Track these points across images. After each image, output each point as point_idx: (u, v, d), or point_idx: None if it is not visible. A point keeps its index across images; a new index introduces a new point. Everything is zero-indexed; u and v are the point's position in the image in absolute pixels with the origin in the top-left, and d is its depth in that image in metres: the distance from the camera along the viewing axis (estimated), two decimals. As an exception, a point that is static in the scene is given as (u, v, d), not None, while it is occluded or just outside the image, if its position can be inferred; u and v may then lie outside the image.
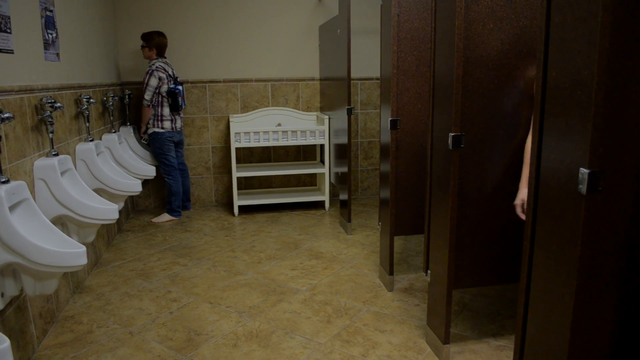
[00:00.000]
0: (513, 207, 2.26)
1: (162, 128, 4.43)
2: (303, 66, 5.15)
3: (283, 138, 4.72)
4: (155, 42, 4.38)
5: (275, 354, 2.37)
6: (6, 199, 1.92)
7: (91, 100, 3.26)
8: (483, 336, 2.50)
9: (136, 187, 3.26)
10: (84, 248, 2.02)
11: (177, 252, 3.79)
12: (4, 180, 2.01)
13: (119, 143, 3.90)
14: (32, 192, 2.39)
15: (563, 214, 1.37)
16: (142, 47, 4.41)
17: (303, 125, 4.99)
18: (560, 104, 1.37)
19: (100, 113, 3.84)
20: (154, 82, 4.31)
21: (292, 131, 4.72)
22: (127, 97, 4.58)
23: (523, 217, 2.15)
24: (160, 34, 4.43)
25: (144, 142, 4.56)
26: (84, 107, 3.21)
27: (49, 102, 2.54)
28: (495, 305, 2.82)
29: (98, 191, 3.08)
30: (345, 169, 4.17)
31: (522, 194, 2.15)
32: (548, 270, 1.46)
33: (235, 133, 4.61)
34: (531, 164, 1.57)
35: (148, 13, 4.79)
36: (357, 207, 5.01)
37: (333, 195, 5.21)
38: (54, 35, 2.88)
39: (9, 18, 2.25)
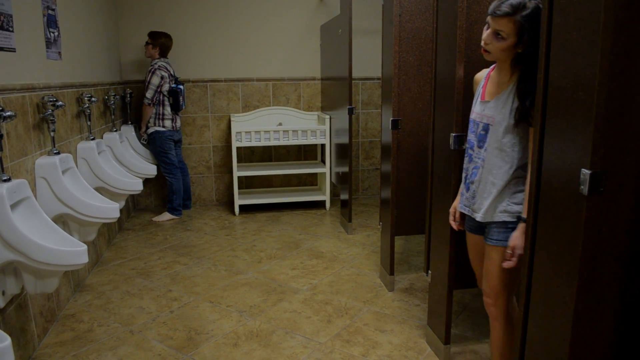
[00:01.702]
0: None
1: (164, 127, 4.44)
2: (304, 66, 5.15)
3: (284, 137, 4.72)
4: (160, 42, 4.40)
5: (276, 354, 2.37)
6: (8, 197, 1.92)
7: (93, 98, 3.26)
8: (483, 336, 2.50)
9: (137, 186, 3.26)
10: (85, 247, 2.02)
11: (178, 251, 3.80)
12: (5, 178, 2.02)
13: (120, 142, 3.90)
14: (34, 190, 2.39)
15: (564, 214, 1.37)
16: (147, 44, 4.41)
17: (304, 125, 4.99)
18: (561, 104, 1.37)
19: (102, 112, 3.85)
20: (156, 80, 4.31)
21: (293, 131, 4.72)
22: (128, 95, 4.59)
23: (454, 225, 2.01)
24: (167, 36, 4.46)
25: (143, 141, 4.56)
26: (86, 106, 3.21)
27: (50, 101, 2.54)
28: (495, 306, 2.82)
29: (99, 190, 3.09)
30: (346, 169, 4.17)
31: (457, 201, 2.01)
32: (549, 271, 1.46)
33: (236, 132, 4.62)
34: (532, 165, 1.57)
35: (150, 12, 4.79)
36: (357, 207, 5.02)
37: (334, 195, 5.22)
38: (56, 34, 2.88)
39: (11, 16, 2.25)
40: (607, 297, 1.36)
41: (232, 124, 4.63)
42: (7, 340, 1.49)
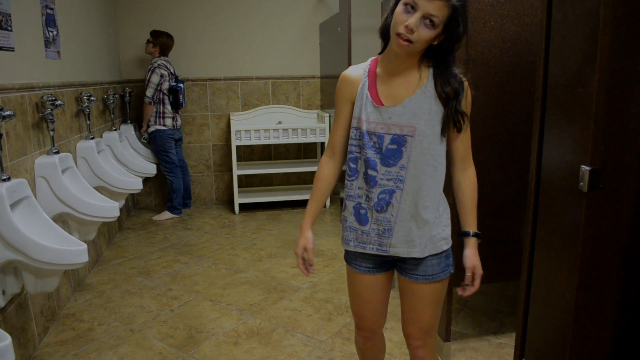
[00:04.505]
0: (513, 205, 2.26)
1: (164, 125, 4.44)
2: (304, 64, 5.15)
3: (284, 136, 4.72)
4: (160, 41, 4.41)
5: (276, 352, 2.38)
6: (7, 196, 1.92)
7: (92, 98, 3.26)
8: (484, 334, 2.50)
9: (137, 185, 3.26)
10: (85, 246, 2.02)
11: (178, 250, 3.80)
12: (5, 178, 2.01)
13: (120, 141, 3.90)
14: (33, 189, 2.39)
15: (564, 211, 1.37)
16: (148, 41, 4.42)
17: (303, 123, 4.99)
18: (561, 101, 1.37)
19: (101, 111, 3.84)
20: (155, 79, 4.31)
21: (293, 129, 4.72)
22: (127, 94, 4.58)
23: (304, 271, 1.55)
24: (169, 36, 4.48)
25: (144, 140, 4.56)
26: (85, 105, 3.21)
27: (49, 100, 2.54)
28: (495, 303, 2.82)
29: (99, 189, 3.08)
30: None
31: (304, 239, 1.55)
32: (549, 268, 1.46)
33: (236, 131, 4.61)
34: (531, 162, 1.57)
35: (149, 10, 4.78)
36: (357, 205, 5.01)
37: (334, 193, 5.22)
38: (55, 33, 2.88)
39: (10, 16, 2.25)
40: (608, 293, 1.37)
41: (232, 122, 4.63)
42: (8, 340, 1.49)
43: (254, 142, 4.69)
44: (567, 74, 1.32)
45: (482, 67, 2.14)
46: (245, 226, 4.40)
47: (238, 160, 5.06)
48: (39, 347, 2.43)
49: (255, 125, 4.79)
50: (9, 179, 2.03)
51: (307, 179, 5.41)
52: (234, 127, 4.60)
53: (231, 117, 4.73)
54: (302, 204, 4.98)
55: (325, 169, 1.55)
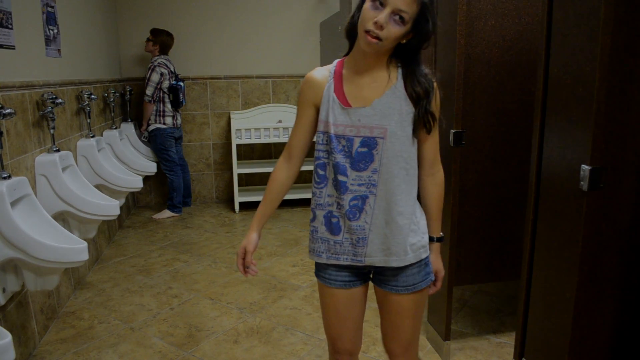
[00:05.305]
0: (513, 204, 2.26)
1: (164, 124, 4.44)
2: (304, 63, 5.14)
3: (284, 135, 4.72)
4: (160, 40, 4.41)
5: (276, 350, 2.38)
6: (8, 194, 1.92)
7: (92, 96, 3.26)
8: (483, 333, 2.50)
9: (137, 184, 3.26)
10: (85, 244, 2.02)
11: (178, 249, 3.80)
12: (5, 175, 2.01)
13: (120, 139, 3.90)
14: (34, 188, 2.39)
15: (564, 210, 1.37)
16: (148, 40, 4.42)
17: (304, 122, 4.98)
18: (561, 100, 1.37)
19: (102, 109, 3.84)
20: (155, 77, 4.31)
21: (293, 128, 4.71)
22: (128, 93, 4.58)
23: (242, 272, 1.51)
24: (168, 34, 4.48)
25: (144, 138, 4.56)
26: (85, 103, 3.21)
27: (50, 98, 2.54)
28: (495, 302, 2.82)
29: (99, 187, 3.08)
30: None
31: (247, 240, 1.50)
32: (549, 267, 1.46)
33: (236, 129, 4.61)
34: (532, 161, 1.57)
35: (149, 9, 4.78)
36: (357, 204, 5.01)
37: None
38: (55, 31, 2.88)
39: (10, 14, 2.25)
40: (608, 292, 1.37)
41: (232, 121, 4.63)
42: (8, 337, 1.50)
43: (254, 140, 4.69)
44: (568, 73, 1.32)
45: (483, 66, 2.14)
46: (245, 225, 4.40)
47: (238, 158, 5.06)
48: (39, 345, 2.43)
49: (255, 124, 4.79)
50: (9, 177, 2.03)
51: (306, 178, 5.40)
52: (234, 126, 4.60)
53: (231, 116, 4.73)
54: (302, 202, 4.98)
55: (281, 172, 1.47)
